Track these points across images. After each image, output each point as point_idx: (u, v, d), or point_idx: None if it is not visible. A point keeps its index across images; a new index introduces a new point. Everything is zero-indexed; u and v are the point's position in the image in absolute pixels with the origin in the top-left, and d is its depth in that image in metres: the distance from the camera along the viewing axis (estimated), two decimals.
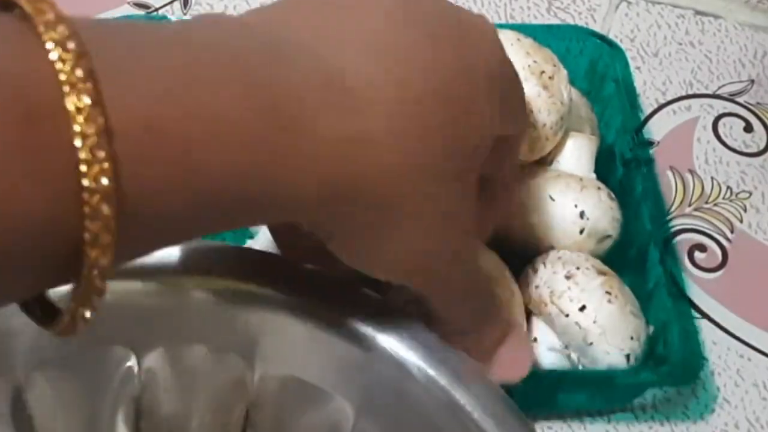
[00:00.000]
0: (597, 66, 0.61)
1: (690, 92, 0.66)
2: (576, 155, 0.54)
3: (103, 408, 0.37)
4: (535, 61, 0.51)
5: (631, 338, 0.48)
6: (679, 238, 0.59)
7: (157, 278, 0.36)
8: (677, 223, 0.60)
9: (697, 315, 0.56)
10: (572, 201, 0.51)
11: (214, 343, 0.37)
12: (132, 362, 0.37)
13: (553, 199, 0.51)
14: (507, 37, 0.52)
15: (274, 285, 0.36)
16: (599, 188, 0.52)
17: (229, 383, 0.37)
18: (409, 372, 0.35)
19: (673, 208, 0.61)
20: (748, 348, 0.55)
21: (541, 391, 0.49)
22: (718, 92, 0.66)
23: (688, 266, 0.58)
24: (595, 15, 0.70)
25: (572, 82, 0.57)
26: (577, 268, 0.49)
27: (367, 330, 0.35)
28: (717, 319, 0.56)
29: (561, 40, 0.59)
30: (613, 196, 0.53)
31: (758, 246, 0.60)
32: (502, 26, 0.54)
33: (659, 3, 0.71)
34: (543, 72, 0.51)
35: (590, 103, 0.59)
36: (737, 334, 0.56)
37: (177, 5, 0.68)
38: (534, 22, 0.69)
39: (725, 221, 0.60)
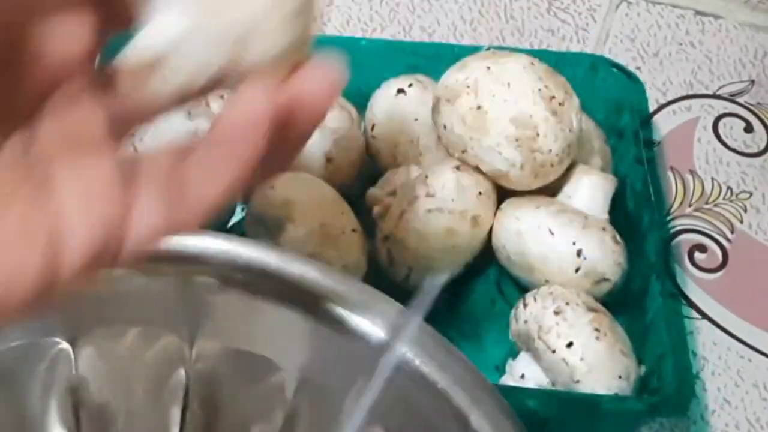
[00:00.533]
0: (614, 97, 0.59)
1: (690, 92, 0.66)
2: (590, 194, 0.53)
3: (34, 399, 0.37)
4: (546, 86, 0.51)
5: (620, 377, 0.47)
6: (679, 238, 0.59)
7: None
8: (677, 224, 0.60)
9: (697, 315, 0.56)
10: (571, 238, 0.50)
11: (151, 325, 0.38)
12: (64, 351, 0.37)
13: (552, 233, 0.51)
14: (520, 61, 0.52)
15: (215, 262, 0.37)
16: (604, 229, 0.51)
17: (164, 361, 0.38)
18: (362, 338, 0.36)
19: (673, 209, 0.61)
20: (748, 349, 0.55)
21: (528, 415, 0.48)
22: (719, 92, 0.66)
23: (689, 267, 0.58)
24: (595, 15, 0.70)
25: (588, 112, 0.57)
26: (567, 304, 0.49)
27: (317, 299, 0.36)
28: (717, 320, 0.56)
29: (578, 67, 0.59)
30: (619, 239, 0.52)
31: (758, 246, 0.60)
32: (519, 50, 0.54)
33: (659, 3, 0.71)
34: (553, 98, 0.51)
35: (604, 134, 0.58)
36: (737, 334, 0.56)
37: None
38: (534, 22, 0.69)
39: (725, 222, 0.60)
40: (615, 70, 0.59)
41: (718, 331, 0.56)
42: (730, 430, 0.52)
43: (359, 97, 0.57)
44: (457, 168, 0.51)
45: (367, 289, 0.37)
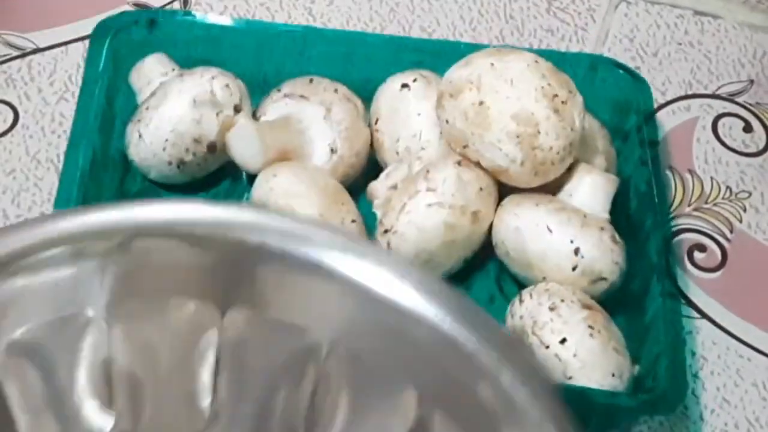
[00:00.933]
0: (620, 97, 0.59)
1: (689, 92, 0.66)
2: (591, 193, 0.53)
3: (66, 373, 0.37)
4: (549, 84, 0.51)
5: (613, 375, 0.47)
6: (678, 238, 0.59)
7: (130, 235, 0.36)
8: (677, 223, 0.60)
9: (696, 315, 0.56)
10: (569, 236, 0.50)
11: (185, 295, 0.37)
12: (96, 324, 0.37)
13: (550, 231, 0.51)
14: (524, 59, 0.52)
15: (251, 233, 0.36)
16: (602, 228, 0.51)
17: (196, 330, 0.38)
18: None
19: (672, 208, 0.61)
20: (747, 348, 0.55)
21: None
22: (718, 92, 0.67)
23: (688, 266, 0.58)
24: (594, 15, 0.70)
25: (594, 113, 0.57)
26: (562, 301, 0.49)
27: (345, 266, 0.36)
28: (716, 319, 0.56)
29: (579, 68, 0.58)
30: (618, 239, 0.52)
31: (758, 246, 0.60)
32: (523, 49, 0.54)
33: (658, 3, 0.71)
34: (556, 96, 0.51)
35: (610, 135, 0.58)
36: (737, 333, 0.56)
37: (177, 5, 0.68)
38: (533, 21, 0.69)
39: (725, 221, 0.60)
40: (620, 71, 0.59)
41: (717, 330, 0.56)
42: (729, 430, 0.52)
43: (366, 90, 0.56)
44: (459, 163, 0.51)
45: (394, 256, 0.37)
